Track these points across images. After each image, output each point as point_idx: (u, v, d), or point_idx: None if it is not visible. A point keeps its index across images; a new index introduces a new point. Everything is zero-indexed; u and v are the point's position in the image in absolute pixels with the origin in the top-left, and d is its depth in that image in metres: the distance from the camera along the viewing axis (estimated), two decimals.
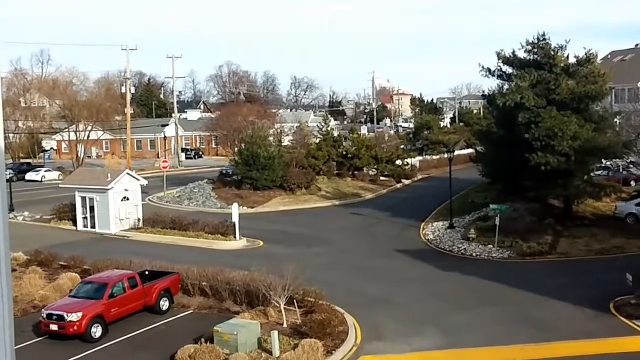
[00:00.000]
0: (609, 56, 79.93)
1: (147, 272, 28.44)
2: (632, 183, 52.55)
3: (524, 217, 39.80)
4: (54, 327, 24.15)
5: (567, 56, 42.39)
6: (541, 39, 42.18)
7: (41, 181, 75.86)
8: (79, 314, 23.91)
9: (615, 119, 47.00)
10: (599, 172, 50.19)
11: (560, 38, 65.65)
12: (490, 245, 37.82)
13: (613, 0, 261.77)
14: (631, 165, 46.17)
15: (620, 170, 53.32)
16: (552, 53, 41.88)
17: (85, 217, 46.01)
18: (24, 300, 27.93)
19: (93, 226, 45.46)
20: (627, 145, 40.80)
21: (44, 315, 24.48)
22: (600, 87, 41.18)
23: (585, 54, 42.03)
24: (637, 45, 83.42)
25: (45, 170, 79.71)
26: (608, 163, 52.33)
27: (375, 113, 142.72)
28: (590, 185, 42.52)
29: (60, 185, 53.89)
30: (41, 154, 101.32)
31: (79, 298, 25.29)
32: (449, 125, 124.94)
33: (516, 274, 32.43)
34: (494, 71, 44.44)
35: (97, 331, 24.23)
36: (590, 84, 41.03)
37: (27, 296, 28.47)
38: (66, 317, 23.89)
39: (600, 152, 41.31)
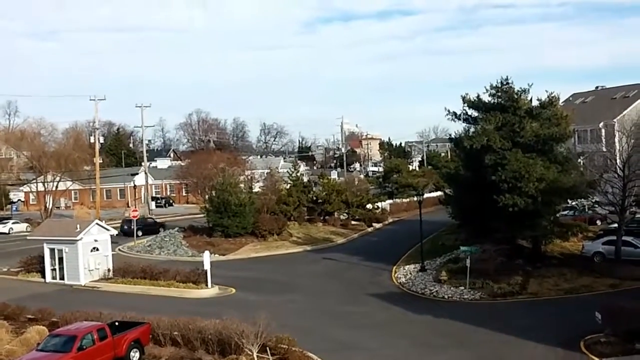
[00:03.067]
0: (570, 98, 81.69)
1: (117, 323, 27.97)
2: (598, 222, 53.24)
3: (494, 258, 40.04)
4: None
5: (531, 99, 43.23)
6: (504, 83, 43.03)
7: (9, 233, 74.62)
8: None
9: (579, 160, 47.83)
10: (565, 213, 50.80)
11: (523, 82, 66.81)
12: (462, 287, 37.93)
13: (573, 46, 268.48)
14: (596, 205, 46.84)
15: (586, 210, 54.08)
16: (516, 96, 42.68)
17: (54, 269, 45.27)
18: None
19: (62, 278, 44.72)
20: (592, 185, 41.44)
21: None
22: (563, 128, 41.97)
23: (548, 96, 42.89)
24: (597, 87, 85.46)
25: (13, 223, 78.49)
26: (574, 203, 53.03)
27: (344, 158, 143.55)
28: (557, 226, 43.02)
29: (28, 237, 53.06)
30: (8, 206, 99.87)
31: (47, 352, 24.73)
32: (417, 169, 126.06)
33: (488, 315, 32.48)
34: (460, 115, 45.03)
35: None
36: (554, 126, 41.81)
37: None
38: None
39: (565, 193, 41.90)
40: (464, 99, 44.43)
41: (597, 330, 27.11)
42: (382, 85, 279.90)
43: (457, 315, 32.43)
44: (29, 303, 35.31)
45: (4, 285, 44.58)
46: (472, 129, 44.66)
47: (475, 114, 44.77)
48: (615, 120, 62.10)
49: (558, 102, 43.91)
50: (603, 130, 64.31)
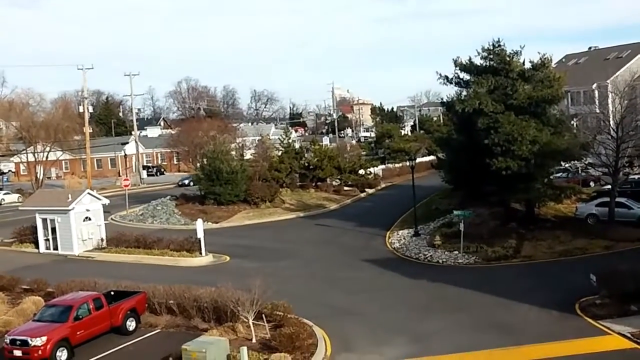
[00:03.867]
0: (563, 60, 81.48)
1: (112, 293, 27.98)
2: (592, 184, 53.42)
3: (488, 222, 40.21)
4: (17, 352, 23.57)
5: (523, 61, 42.91)
6: (496, 45, 42.65)
7: (0, 204, 74.43)
8: (44, 339, 23.41)
9: (573, 122, 47.79)
10: (558, 175, 50.91)
11: (515, 44, 66.63)
12: (456, 252, 38.09)
13: (566, 5, 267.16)
14: (589, 167, 46.91)
15: (579, 172, 54.20)
16: (508, 59, 42.36)
17: (47, 239, 45.23)
18: None
19: (56, 248, 44.71)
20: (585, 147, 41.40)
21: (7, 341, 23.90)
22: (556, 90, 41.76)
23: (540, 58, 42.60)
24: (590, 48, 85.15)
25: (4, 193, 78.28)
26: (567, 165, 53.15)
27: (336, 124, 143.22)
28: (550, 188, 43.05)
29: (20, 208, 52.91)
30: None
31: (43, 322, 24.74)
32: (410, 134, 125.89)
33: (482, 279, 32.64)
34: (452, 78, 44.75)
35: (62, 355, 23.73)
36: (547, 88, 41.60)
37: None
38: (30, 342, 23.36)
39: (559, 155, 41.89)
40: (455, 62, 44.13)
41: (591, 292, 27.31)
42: (373, 50, 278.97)
43: (451, 280, 32.57)
44: (24, 274, 35.35)
45: None
46: (464, 93, 44.42)
47: (467, 77, 44.48)
48: (608, 81, 61.92)
49: (550, 64, 43.63)
50: (596, 92, 64.18)
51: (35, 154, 79.98)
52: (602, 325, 24.46)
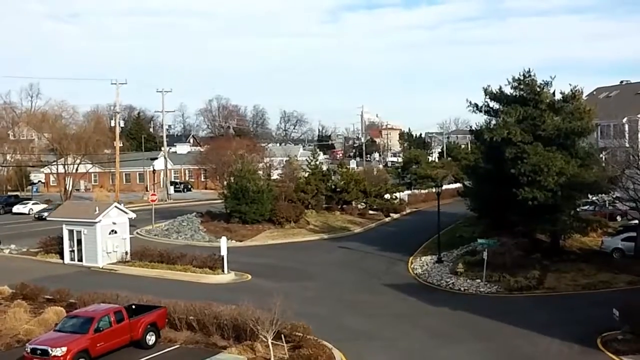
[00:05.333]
0: (594, 92, 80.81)
1: (134, 306, 28.16)
2: (618, 218, 52.79)
3: (512, 251, 39.82)
4: None
5: (553, 92, 42.81)
6: (527, 75, 42.61)
7: (29, 214, 75.39)
8: (64, 349, 23.60)
9: (601, 155, 47.34)
10: (585, 207, 50.40)
11: (546, 75, 66.30)
12: (479, 280, 37.80)
13: (599, 39, 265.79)
14: (617, 201, 46.39)
15: (607, 205, 53.61)
16: (538, 89, 42.28)
17: (72, 251, 45.64)
18: (8, 335, 27.58)
19: (80, 259, 45.09)
20: (613, 180, 41.02)
21: (28, 350, 24.12)
22: (585, 123, 41.53)
23: (571, 90, 42.48)
24: (622, 82, 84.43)
25: (33, 203, 79.27)
26: (594, 198, 52.60)
27: (364, 147, 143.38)
28: (576, 220, 42.65)
29: (47, 219, 53.50)
30: (29, 187, 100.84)
31: (64, 332, 24.95)
32: (437, 160, 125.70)
33: (504, 309, 32.35)
34: (481, 107, 44.79)
35: None
36: (576, 120, 41.40)
37: (11, 330, 28.11)
38: (50, 351, 23.56)
39: (586, 188, 41.54)
40: (485, 90, 44.16)
41: (614, 327, 26.90)
42: (404, 75, 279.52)
43: (473, 308, 32.32)
44: (48, 284, 35.64)
45: (23, 265, 45.06)
46: (493, 122, 44.40)
47: (496, 106, 44.51)
48: (639, 115, 61.32)
49: (581, 96, 43.46)
50: (626, 126, 63.53)
51: (66, 166, 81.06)
52: None
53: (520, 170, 39.45)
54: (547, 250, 42.39)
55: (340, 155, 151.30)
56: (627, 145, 47.23)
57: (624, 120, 66.17)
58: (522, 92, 42.82)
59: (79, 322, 25.45)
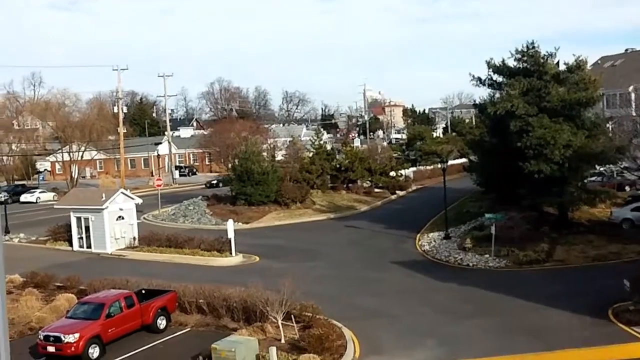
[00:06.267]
0: (599, 62, 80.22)
1: (143, 291, 28.27)
2: (627, 188, 52.60)
3: (520, 225, 39.78)
4: (51, 348, 23.95)
5: (557, 63, 42.49)
6: (530, 47, 42.29)
7: (36, 202, 75.64)
8: (76, 335, 23.74)
9: (608, 125, 47.08)
10: (593, 179, 50.20)
11: (550, 46, 65.84)
12: (487, 255, 37.78)
13: (602, 7, 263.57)
14: (625, 171, 46.19)
15: (615, 175, 53.40)
16: (542, 61, 41.98)
17: (80, 238, 45.82)
18: (20, 323, 27.75)
19: (89, 246, 45.28)
20: (621, 150, 40.78)
21: (41, 337, 24.29)
22: (591, 93, 41.24)
23: (575, 60, 42.14)
24: (627, 50, 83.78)
25: (40, 192, 79.53)
26: (602, 169, 52.39)
27: (367, 125, 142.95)
28: (584, 192, 42.48)
29: (55, 206, 53.69)
30: (35, 176, 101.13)
31: (76, 319, 25.10)
32: (441, 136, 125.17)
33: (513, 283, 32.33)
34: (485, 80, 44.58)
35: (94, 352, 24.04)
36: (581, 90, 41.12)
37: (24, 318, 28.28)
38: (63, 338, 23.71)
39: (593, 159, 41.34)
40: (488, 64, 43.91)
41: (625, 298, 26.84)
42: (405, 51, 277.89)
43: (482, 283, 32.32)
44: (58, 271, 35.84)
45: (33, 253, 45.25)
46: (496, 95, 44.20)
47: (500, 79, 44.30)
48: None
49: (586, 66, 43.10)
50: (633, 94, 63.12)
51: (71, 154, 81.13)
52: (635, 332, 24.07)
53: (526, 143, 39.26)
54: (555, 223, 42.29)
55: (353, 135, 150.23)
56: (634, 114, 46.97)
57: (630, 88, 65.71)
58: (525, 64, 42.52)
59: (90, 309, 25.58)
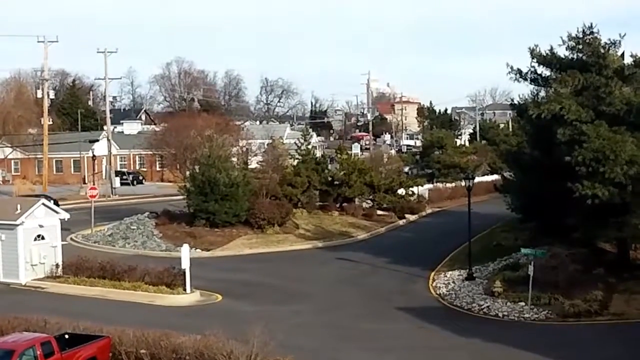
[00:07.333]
0: None
1: (67, 336, 28.05)
2: None
3: (566, 265, 39.92)
4: None
5: (622, 55, 42.76)
6: (588, 32, 42.48)
7: None
8: None
9: None
10: None
11: (614, 32, 66.24)
12: (522, 303, 37.88)
13: None
14: None
15: None
16: (603, 51, 42.16)
17: None
18: None
19: None
20: None
21: None
22: None
23: None
24: None
25: None
26: None
27: (371, 127, 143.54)
28: None
29: None
30: None
31: None
32: (467, 144, 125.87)
33: (556, 342, 32.45)
34: (527, 74, 44.78)
35: None
36: None
37: None
38: None
39: None
40: (532, 52, 44.10)
41: None
42: (423, 33, 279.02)
43: (514, 341, 32.35)
44: None
45: None
46: (541, 93, 44.39)
47: (546, 72, 44.52)
48: None
49: None
50: None
51: None
52: None
53: (578, 157, 39.32)
54: (612, 263, 42.49)
55: (371, 140, 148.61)
56: None
57: None
58: (580, 55, 42.75)
59: None
